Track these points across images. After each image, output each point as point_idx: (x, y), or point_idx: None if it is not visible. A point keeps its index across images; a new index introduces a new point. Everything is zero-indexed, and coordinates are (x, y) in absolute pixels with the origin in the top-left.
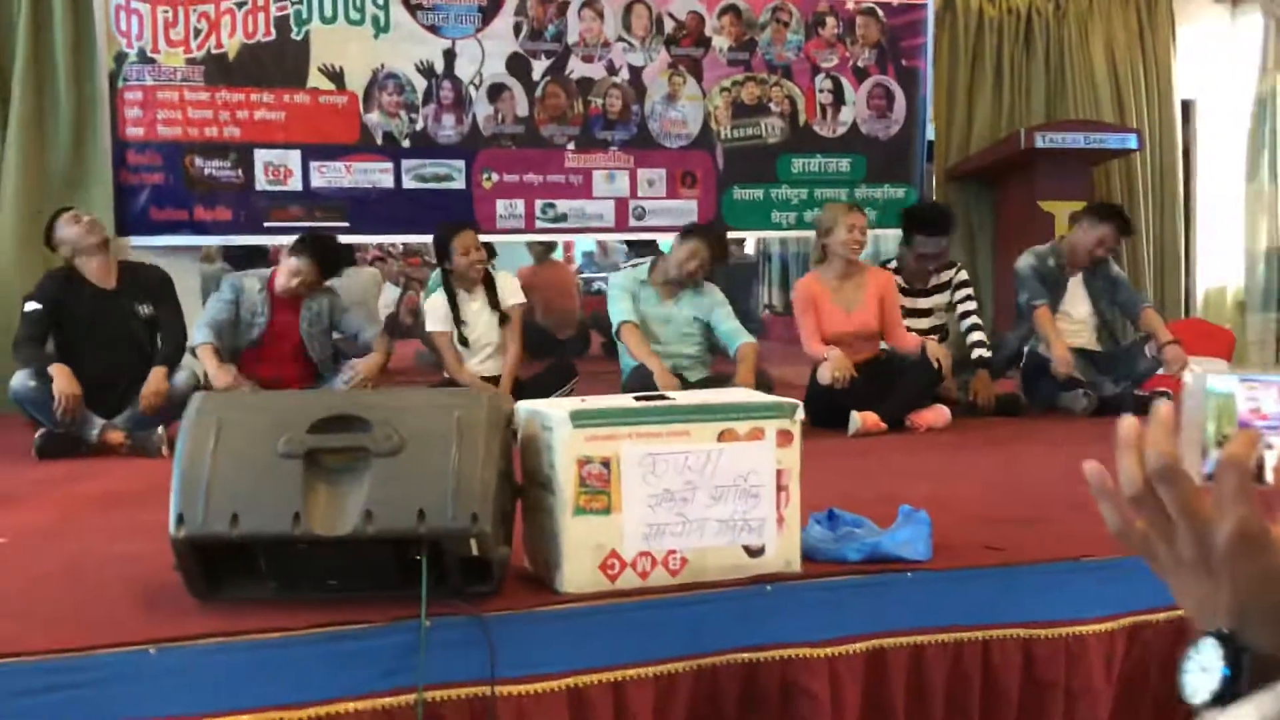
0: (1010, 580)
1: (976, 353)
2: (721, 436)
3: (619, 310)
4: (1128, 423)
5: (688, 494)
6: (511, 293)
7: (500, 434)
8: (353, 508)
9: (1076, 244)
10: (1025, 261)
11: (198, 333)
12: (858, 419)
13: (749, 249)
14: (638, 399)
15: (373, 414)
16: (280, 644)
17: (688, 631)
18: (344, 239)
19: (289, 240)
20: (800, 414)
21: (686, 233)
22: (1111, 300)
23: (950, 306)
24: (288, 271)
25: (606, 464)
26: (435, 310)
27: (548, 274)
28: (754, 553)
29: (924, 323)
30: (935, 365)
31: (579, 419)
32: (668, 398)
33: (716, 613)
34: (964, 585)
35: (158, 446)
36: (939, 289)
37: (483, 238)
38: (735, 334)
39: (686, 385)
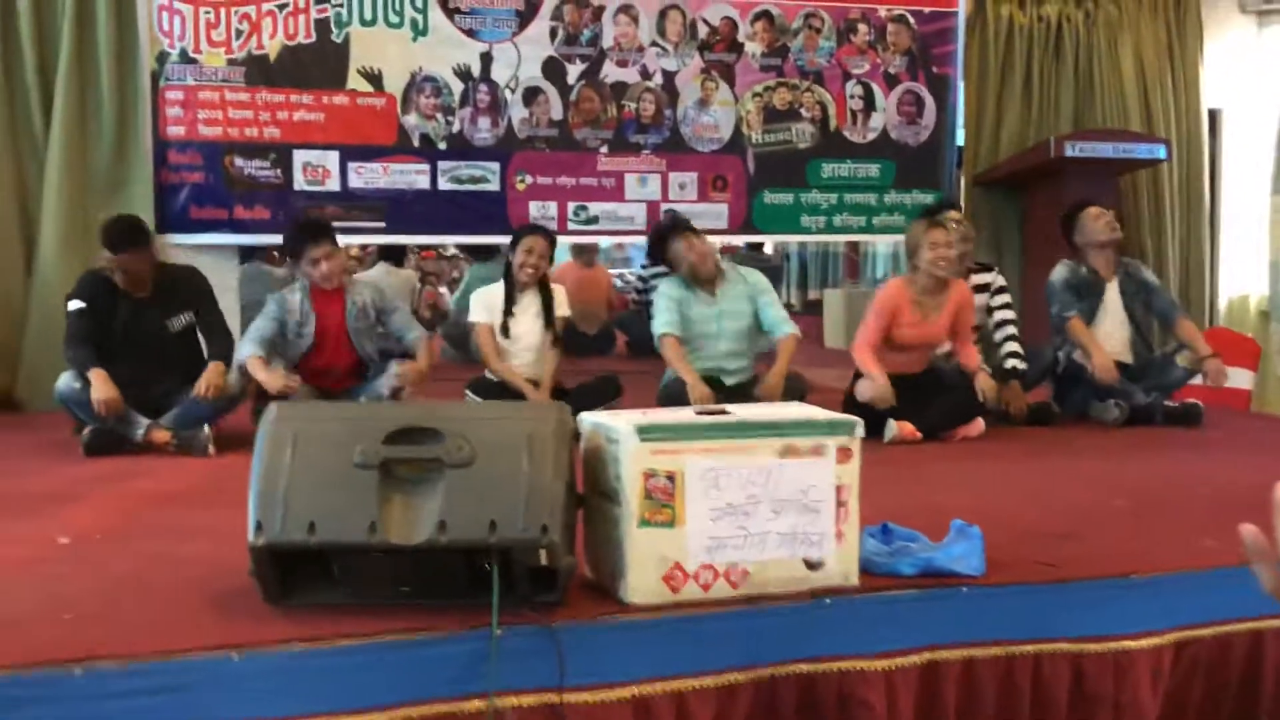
0: (1061, 596)
1: (1010, 363)
2: (783, 452)
3: (663, 321)
4: None
5: (750, 508)
6: (560, 304)
7: (568, 446)
8: (426, 517)
9: (1087, 244)
10: (1057, 274)
11: (243, 348)
12: (894, 427)
13: (768, 250)
14: (700, 413)
15: (445, 425)
16: (357, 650)
17: (748, 643)
18: (380, 239)
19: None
20: (860, 431)
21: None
22: (1146, 307)
23: (988, 310)
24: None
25: (671, 477)
26: (485, 302)
27: (585, 273)
28: (814, 566)
29: None
30: (980, 397)
31: (645, 433)
32: (729, 412)
33: (776, 625)
34: (1016, 600)
35: (204, 445)
36: (977, 290)
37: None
38: (779, 323)
39: (723, 391)
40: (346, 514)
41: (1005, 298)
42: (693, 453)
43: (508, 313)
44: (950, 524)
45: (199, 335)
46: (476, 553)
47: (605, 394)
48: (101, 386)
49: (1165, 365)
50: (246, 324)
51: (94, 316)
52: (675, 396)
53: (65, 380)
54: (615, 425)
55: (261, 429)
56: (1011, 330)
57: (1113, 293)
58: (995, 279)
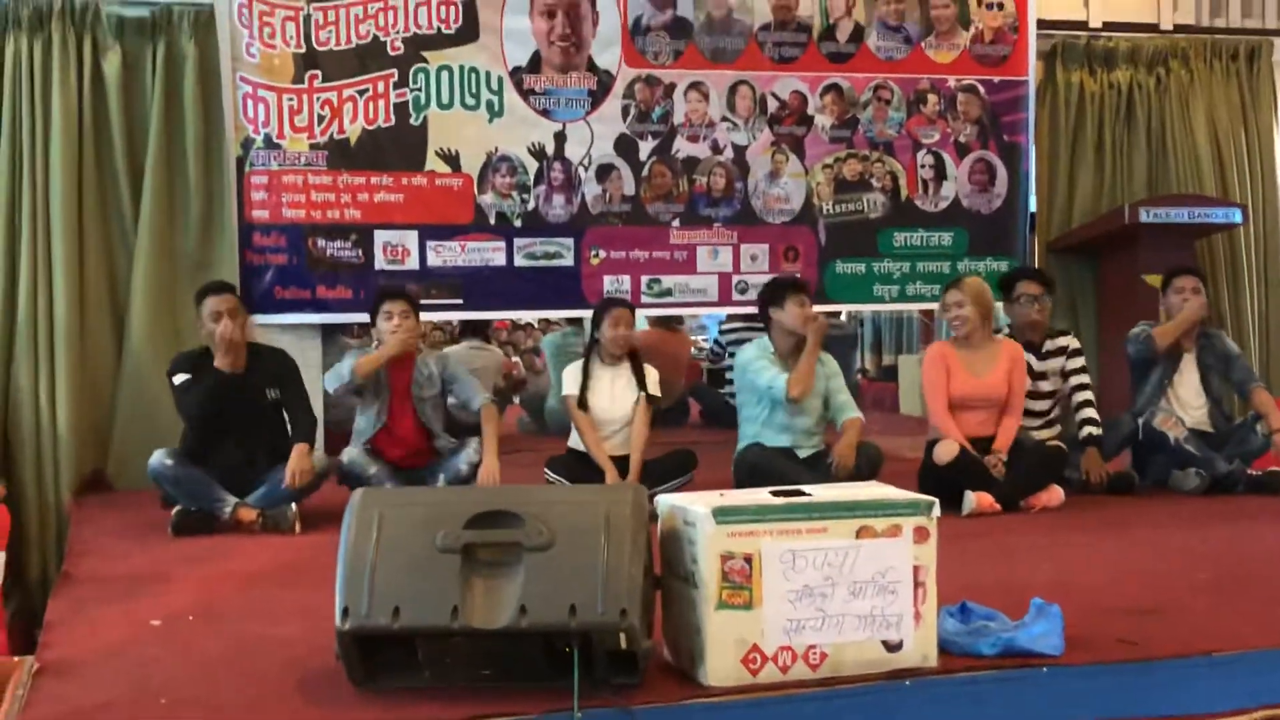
0: (1143, 675)
1: (1086, 430)
2: (859, 533)
3: (773, 378)
4: None
5: (827, 589)
6: (652, 384)
7: (645, 528)
8: (507, 601)
9: (1170, 310)
10: (1138, 330)
11: (343, 365)
12: (973, 499)
13: (842, 317)
14: (775, 494)
15: (524, 509)
16: None
17: None
18: (458, 315)
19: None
20: (936, 510)
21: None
22: (1224, 376)
23: (1063, 375)
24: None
25: (748, 560)
26: (576, 376)
27: (665, 343)
28: (892, 648)
29: (1039, 386)
30: (1059, 451)
31: (721, 515)
32: (805, 493)
33: (856, 707)
34: (1098, 680)
35: (291, 523)
36: (1053, 354)
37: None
38: (845, 407)
39: (797, 461)
40: (429, 598)
41: (1080, 361)
42: (769, 535)
43: (585, 387)
44: (1030, 602)
45: (284, 413)
46: (557, 636)
47: (681, 468)
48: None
49: (1246, 433)
50: (329, 403)
51: (197, 386)
52: (751, 465)
53: (158, 457)
54: (692, 508)
55: (348, 513)
56: (1088, 396)
57: (1190, 362)
58: (1071, 342)
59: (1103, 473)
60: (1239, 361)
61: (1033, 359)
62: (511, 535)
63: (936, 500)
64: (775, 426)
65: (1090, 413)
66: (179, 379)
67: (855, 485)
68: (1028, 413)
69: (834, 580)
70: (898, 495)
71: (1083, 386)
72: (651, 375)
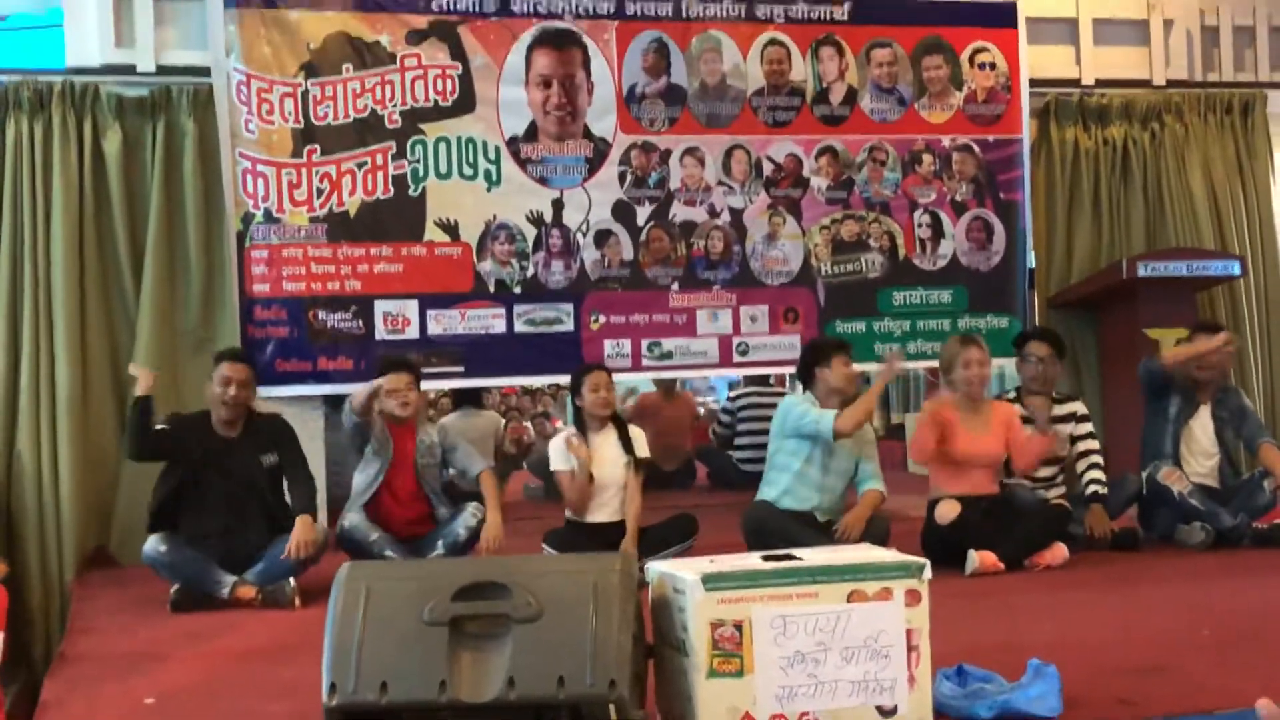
0: None
1: (1092, 487)
2: (850, 597)
3: (821, 413)
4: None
5: (819, 655)
6: (640, 446)
7: (633, 597)
8: (495, 674)
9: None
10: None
11: (351, 400)
12: (975, 558)
13: None
14: (766, 559)
15: (512, 580)
16: None
17: None
18: (460, 383)
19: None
20: (928, 573)
21: (837, 348)
22: (1236, 432)
23: (1071, 440)
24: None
25: (739, 626)
26: (557, 449)
27: (668, 407)
28: (886, 713)
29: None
30: (1061, 510)
31: (711, 582)
32: (795, 557)
33: None
34: None
35: (290, 598)
36: (1061, 419)
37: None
38: (870, 477)
39: (816, 526)
40: (417, 673)
41: (1088, 426)
42: (760, 600)
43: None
44: (1027, 663)
45: (282, 482)
46: (546, 708)
47: (681, 534)
48: (300, 530)
49: (1253, 489)
50: (332, 472)
51: (174, 439)
52: (758, 522)
53: (152, 544)
54: (681, 574)
55: (335, 586)
56: (1095, 459)
57: (1205, 416)
58: (1078, 408)
59: (1107, 529)
60: (1252, 417)
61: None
62: (499, 607)
63: (928, 562)
64: (807, 482)
65: (1096, 472)
66: (159, 425)
67: (848, 547)
68: (1033, 477)
69: (826, 645)
70: (888, 558)
71: (1090, 451)
72: (639, 437)
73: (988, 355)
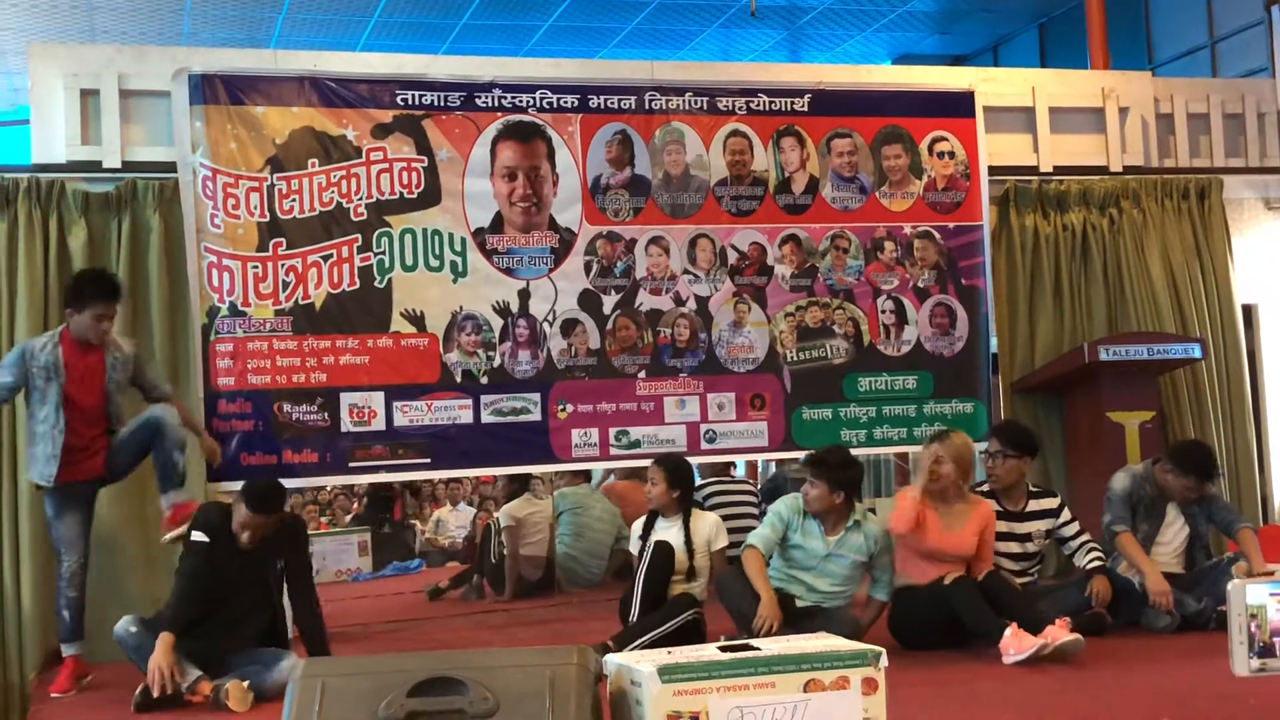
0: None
1: (1095, 563)
2: (807, 687)
3: (756, 535)
4: None
5: None
6: (717, 536)
7: (590, 691)
8: None
9: (1167, 485)
10: (1120, 483)
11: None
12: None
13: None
14: (723, 649)
15: (469, 675)
16: None
17: None
18: (426, 475)
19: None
20: (884, 661)
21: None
22: (1208, 518)
23: (1056, 538)
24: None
25: (696, 718)
26: (634, 531)
27: (636, 492)
28: None
29: (1021, 548)
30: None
31: (666, 674)
32: (753, 647)
33: None
34: None
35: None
36: (1036, 515)
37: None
38: (882, 586)
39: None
40: None
41: (1067, 515)
42: (716, 691)
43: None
44: None
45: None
46: None
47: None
48: (160, 653)
49: (1218, 575)
50: None
51: (211, 555)
52: (721, 584)
53: (123, 624)
54: (637, 667)
55: (290, 684)
56: (1085, 538)
57: (1172, 512)
58: (1056, 503)
59: (1108, 593)
60: (1219, 502)
61: (1016, 522)
62: (455, 703)
63: (883, 651)
64: (778, 568)
65: (1093, 550)
66: (197, 537)
67: (805, 636)
68: (1011, 571)
69: None
70: (845, 646)
71: (1079, 533)
72: (713, 527)
73: (960, 451)
